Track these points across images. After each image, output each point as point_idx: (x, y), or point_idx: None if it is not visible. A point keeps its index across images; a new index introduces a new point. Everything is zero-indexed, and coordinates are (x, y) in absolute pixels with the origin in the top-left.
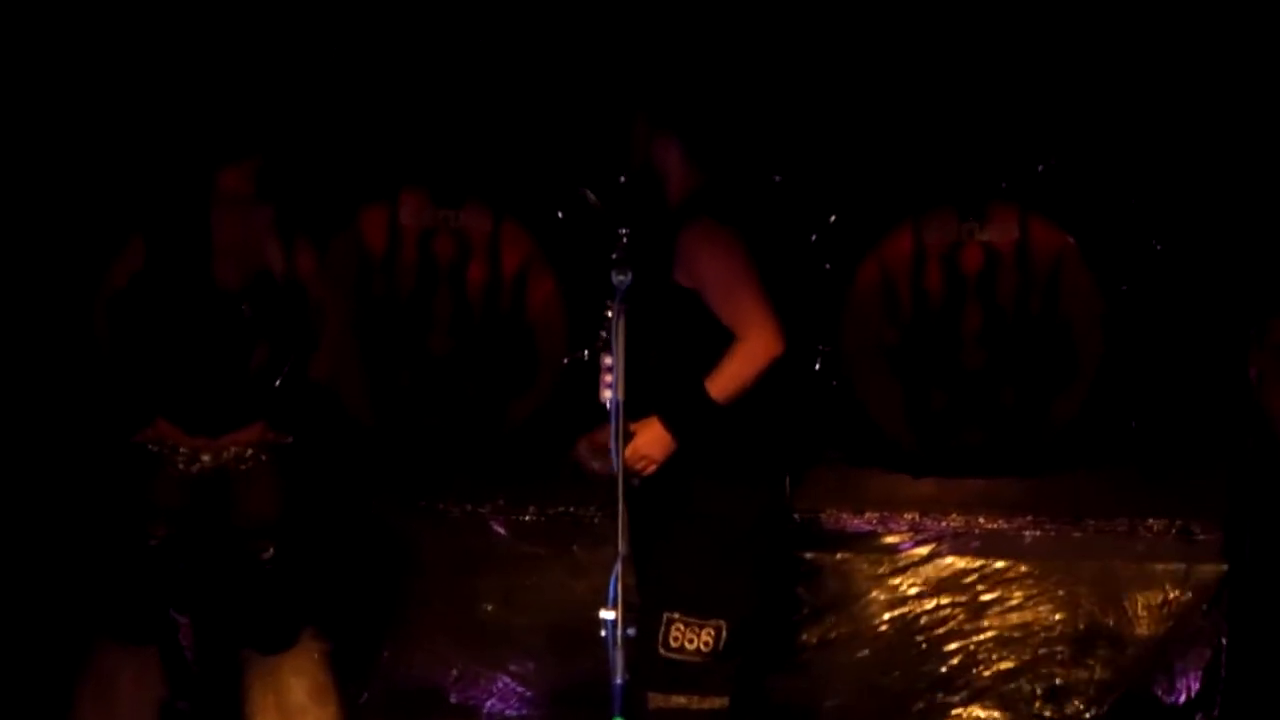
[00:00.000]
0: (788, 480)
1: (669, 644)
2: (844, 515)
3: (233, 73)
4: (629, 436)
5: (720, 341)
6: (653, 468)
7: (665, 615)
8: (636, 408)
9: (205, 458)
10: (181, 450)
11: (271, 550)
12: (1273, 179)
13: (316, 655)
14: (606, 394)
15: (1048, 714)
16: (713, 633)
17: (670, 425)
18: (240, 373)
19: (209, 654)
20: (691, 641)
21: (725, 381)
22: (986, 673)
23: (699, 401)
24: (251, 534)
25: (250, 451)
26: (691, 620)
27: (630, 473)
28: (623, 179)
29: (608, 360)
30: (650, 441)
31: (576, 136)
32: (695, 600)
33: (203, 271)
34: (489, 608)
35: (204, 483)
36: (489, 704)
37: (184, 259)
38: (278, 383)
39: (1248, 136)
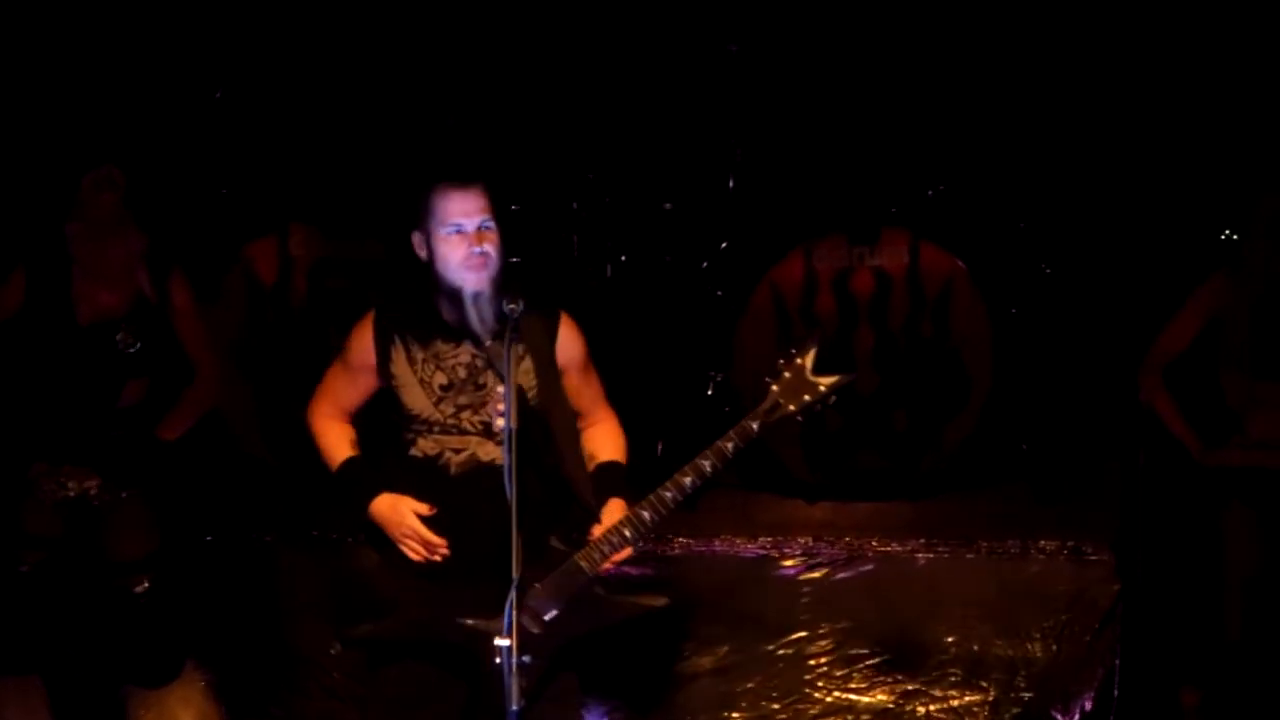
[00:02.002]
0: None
1: None
2: (738, 540)
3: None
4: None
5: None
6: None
7: None
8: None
9: (70, 486)
10: (48, 477)
11: (145, 584)
12: (1159, 202)
13: (202, 685)
14: (499, 422)
15: None
16: None
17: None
18: (108, 402)
19: (94, 686)
20: None
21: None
22: (881, 696)
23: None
24: (125, 568)
25: (115, 484)
26: None
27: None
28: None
29: (500, 389)
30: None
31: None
32: None
33: (65, 299)
34: None
35: (74, 512)
36: None
37: (53, 287)
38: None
39: (1132, 161)
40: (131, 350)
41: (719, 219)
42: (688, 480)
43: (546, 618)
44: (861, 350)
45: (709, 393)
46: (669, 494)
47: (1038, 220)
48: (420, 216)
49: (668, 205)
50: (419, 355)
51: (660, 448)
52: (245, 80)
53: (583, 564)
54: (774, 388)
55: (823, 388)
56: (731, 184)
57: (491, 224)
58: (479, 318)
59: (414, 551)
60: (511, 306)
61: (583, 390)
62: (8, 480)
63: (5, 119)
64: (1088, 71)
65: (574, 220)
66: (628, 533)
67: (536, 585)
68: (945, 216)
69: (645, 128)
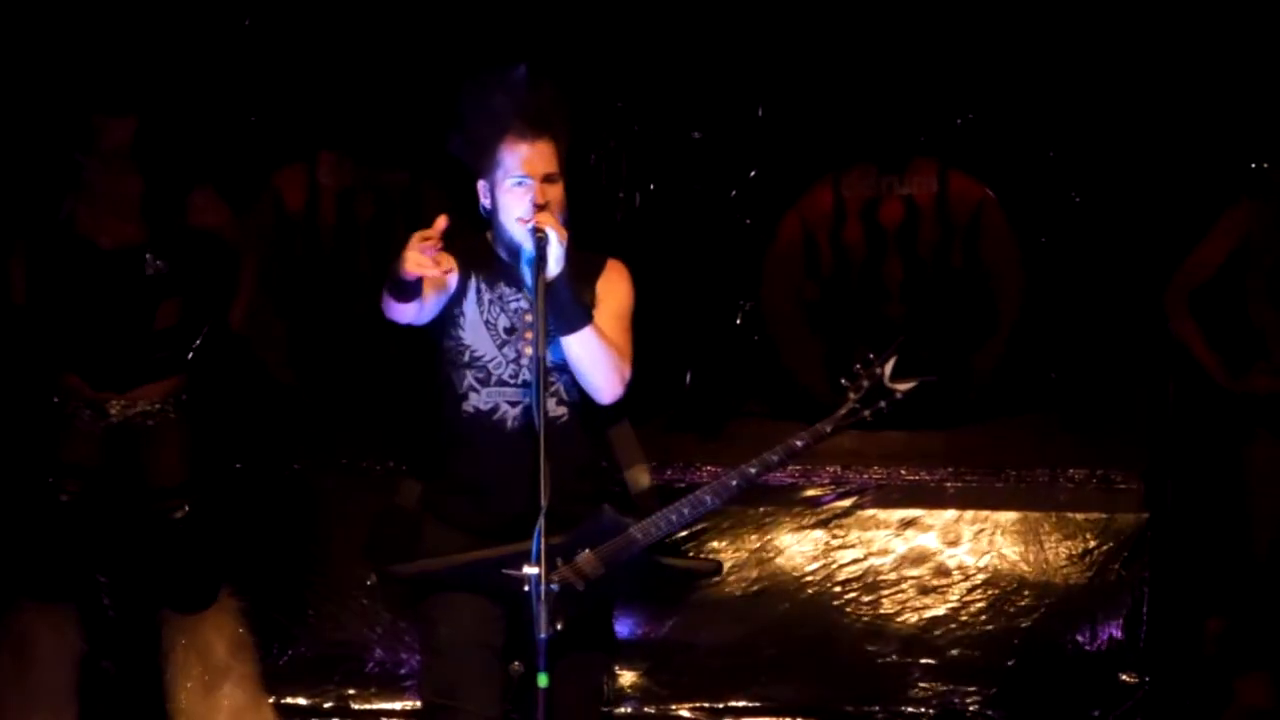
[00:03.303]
0: None
1: None
2: None
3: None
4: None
5: None
6: None
7: None
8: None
9: (112, 412)
10: (88, 404)
11: (185, 509)
12: (1189, 130)
13: (237, 613)
14: (528, 350)
15: (971, 663)
16: None
17: None
18: (144, 326)
19: (129, 613)
20: None
21: None
22: (910, 621)
23: None
24: (163, 493)
25: (158, 407)
26: None
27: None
28: None
29: (528, 318)
30: None
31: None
32: None
33: (72, 227)
34: None
35: (113, 439)
36: (411, 660)
37: (68, 216)
38: (194, 342)
39: (1162, 88)
40: (159, 272)
41: (747, 148)
42: (753, 471)
43: (593, 578)
44: (890, 279)
45: (738, 321)
46: (733, 481)
47: (1067, 148)
48: (486, 165)
49: (696, 134)
50: (486, 295)
51: (689, 377)
52: (273, 7)
53: (637, 535)
54: (851, 395)
55: (899, 394)
56: (760, 113)
57: (556, 178)
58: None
59: (416, 262)
60: (539, 232)
61: (607, 334)
62: (46, 410)
63: (29, 46)
64: (1120, 2)
65: (602, 149)
66: (687, 511)
67: (588, 551)
68: (974, 145)
69: (674, 56)
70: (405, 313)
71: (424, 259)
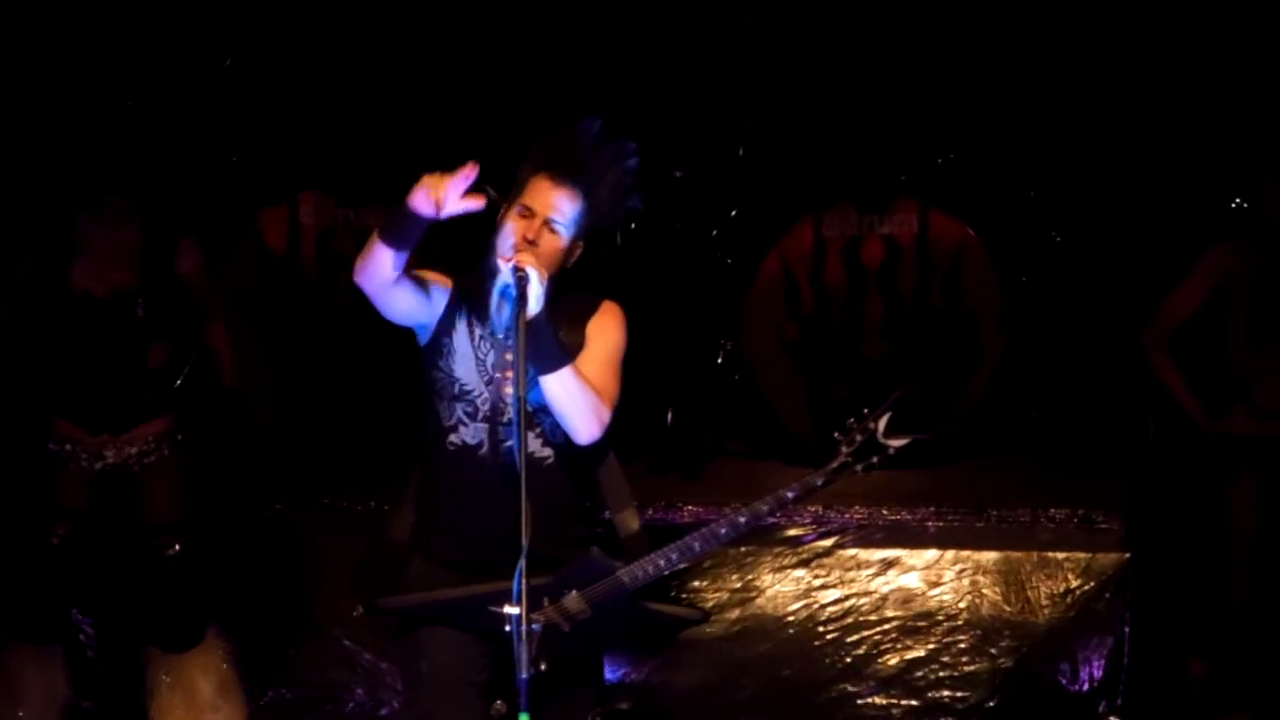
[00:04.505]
0: None
1: None
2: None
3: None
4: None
5: None
6: None
7: None
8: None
9: (109, 454)
10: (84, 448)
11: (177, 547)
12: (1169, 170)
13: (222, 653)
14: (509, 390)
15: (952, 702)
16: None
17: None
18: (138, 369)
19: (113, 652)
20: None
21: None
22: (891, 662)
23: None
24: (157, 531)
25: (153, 446)
26: None
27: None
28: None
29: (509, 356)
30: None
31: (482, 136)
32: None
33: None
34: None
35: (107, 480)
36: (392, 701)
37: (58, 267)
38: (178, 381)
39: (1142, 129)
40: (149, 316)
41: (729, 187)
42: (741, 520)
43: (578, 619)
44: (871, 318)
45: (719, 361)
46: (722, 530)
47: (1048, 188)
48: (513, 190)
49: (678, 173)
50: (477, 330)
51: (670, 416)
52: (254, 48)
53: (624, 579)
54: (843, 449)
55: (892, 450)
56: (741, 152)
57: (562, 229)
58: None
59: (433, 186)
60: (520, 271)
61: (590, 375)
62: (38, 455)
63: (12, 94)
64: (1097, 40)
65: None
66: (675, 556)
67: (575, 592)
68: (955, 185)
69: (655, 95)
70: (381, 267)
71: (442, 185)
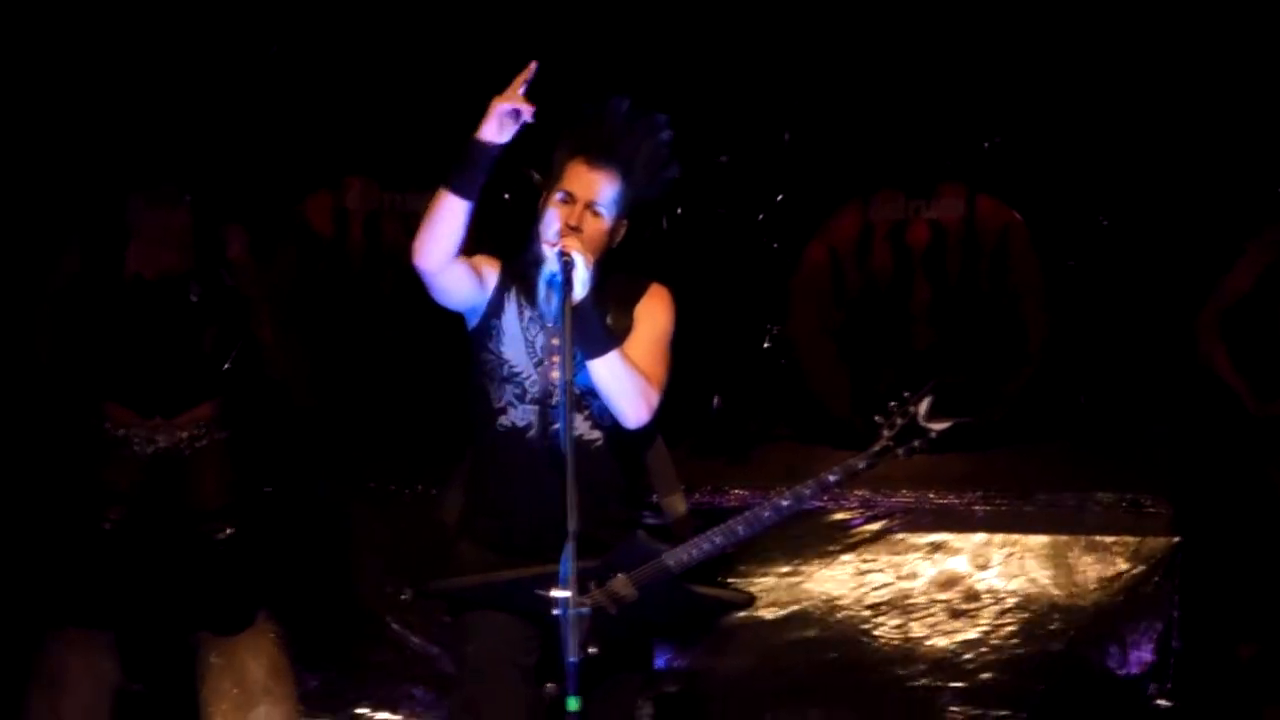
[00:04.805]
0: None
1: None
2: None
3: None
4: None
5: None
6: None
7: None
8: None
9: (160, 438)
10: (135, 432)
11: (228, 532)
12: (1214, 153)
13: (273, 636)
14: (555, 374)
15: (1001, 686)
16: None
17: None
18: (192, 353)
19: (164, 635)
20: None
21: None
22: (940, 645)
23: None
24: (207, 516)
25: (203, 430)
26: None
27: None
28: None
29: (555, 341)
30: None
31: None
32: None
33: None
34: None
35: (156, 466)
36: (441, 682)
37: (113, 252)
38: (226, 365)
39: (1191, 112)
40: (205, 299)
41: (775, 172)
42: (785, 503)
43: (625, 603)
44: (918, 303)
45: (765, 345)
46: (766, 513)
47: (1095, 172)
48: (550, 177)
49: (723, 158)
50: (526, 313)
51: (717, 401)
52: (299, 35)
53: (670, 563)
54: (885, 432)
55: (934, 434)
56: (787, 137)
57: (604, 210)
58: (544, 302)
59: (506, 99)
60: (565, 256)
61: (638, 358)
62: (89, 440)
63: (60, 86)
64: (1146, 23)
65: None
66: (719, 540)
67: (622, 575)
68: (1001, 169)
69: (700, 81)
70: (448, 223)
71: (512, 94)
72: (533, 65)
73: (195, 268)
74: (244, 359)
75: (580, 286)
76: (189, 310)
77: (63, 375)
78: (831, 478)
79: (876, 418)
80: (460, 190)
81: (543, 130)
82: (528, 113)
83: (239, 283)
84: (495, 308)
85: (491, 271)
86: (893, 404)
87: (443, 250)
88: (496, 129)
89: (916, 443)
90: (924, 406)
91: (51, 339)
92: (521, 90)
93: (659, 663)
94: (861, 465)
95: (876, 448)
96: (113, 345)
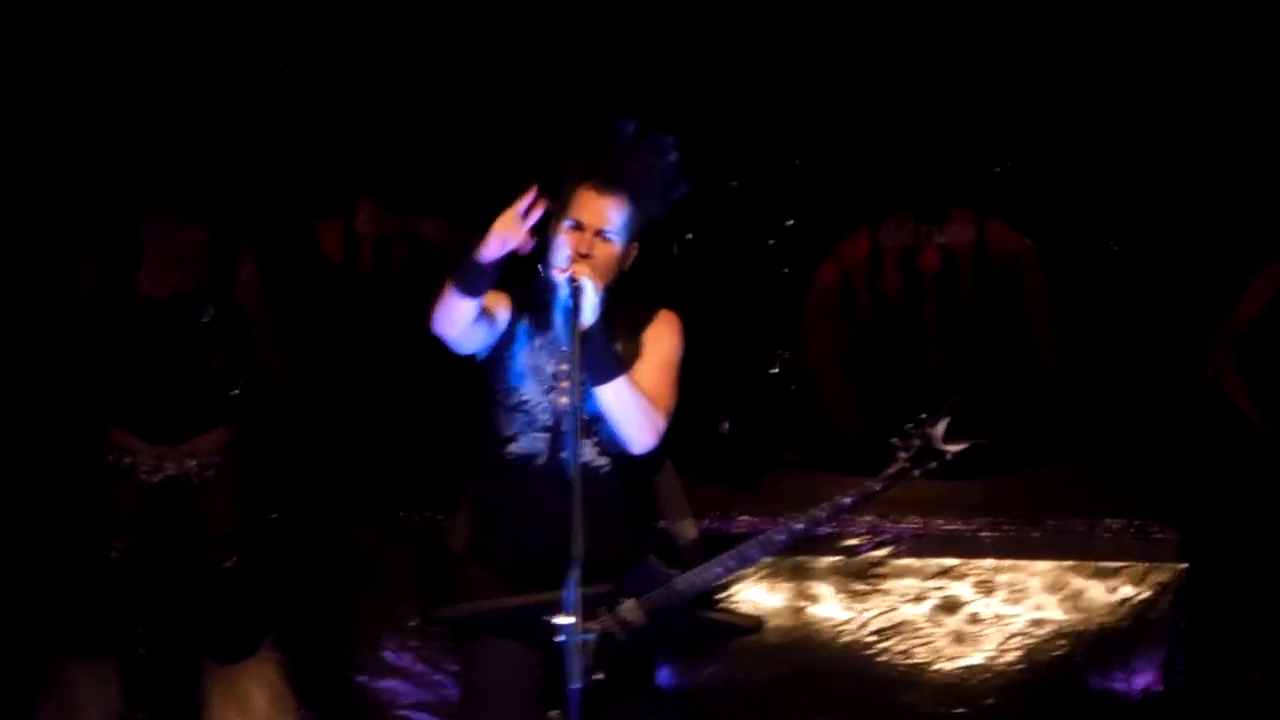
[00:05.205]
0: None
1: None
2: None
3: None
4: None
5: None
6: None
7: None
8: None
9: (169, 466)
10: (144, 460)
11: (234, 559)
12: (1225, 178)
13: (277, 665)
14: (563, 400)
15: (1006, 713)
16: None
17: None
18: (201, 377)
19: (167, 664)
20: None
21: None
22: (945, 671)
23: None
24: (214, 543)
25: (214, 460)
26: None
27: None
28: None
29: (564, 367)
30: None
31: (529, 146)
32: None
33: (133, 281)
34: None
35: (166, 493)
36: (447, 711)
37: (126, 271)
38: (236, 389)
39: (1202, 137)
40: (217, 320)
41: (785, 197)
42: (799, 526)
43: (635, 628)
44: (928, 326)
45: (776, 370)
46: (779, 537)
47: (1106, 198)
48: (559, 204)
49: (733, 183)
50: (537, 342)
51: (726, 426)
52: (310, 59)
53: (681, 587)
54: (901, 454)
55: (950, 455)
56: (797, 162)
57: (614, 237)
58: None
59: (509, 222)
60: (574, 282)
61: (645, 384)
62: (96, 467)
63: (69, 104)
64: (1157, 47)
65: None
66: (732, 564)
67: (631, 600)
68: (1013, 194)
69: (711, 105)
70: (461, 315)
71: (512, 221)
72: (533, 189)
73: (208, 287)
74: (253, 383)
75: (589, 312)
76: (200, 331)
77: (75, 394)
78: (847, 500)
79: (893, 440)
80: (468, 293)
81: (552, 153)
82: (527, 245)
83: (245, 302)
84: (506, 339)
85: (503, 309)
86: (909, 425)
87: (459, 329)
88: (497, 249)
89: (933, 464)
90: (941, 428)
91: (69, 356)
92: (522, 213)
93: (665, 685)
94: (878, 488)
95: (893, 470)
96: (122, 366)
